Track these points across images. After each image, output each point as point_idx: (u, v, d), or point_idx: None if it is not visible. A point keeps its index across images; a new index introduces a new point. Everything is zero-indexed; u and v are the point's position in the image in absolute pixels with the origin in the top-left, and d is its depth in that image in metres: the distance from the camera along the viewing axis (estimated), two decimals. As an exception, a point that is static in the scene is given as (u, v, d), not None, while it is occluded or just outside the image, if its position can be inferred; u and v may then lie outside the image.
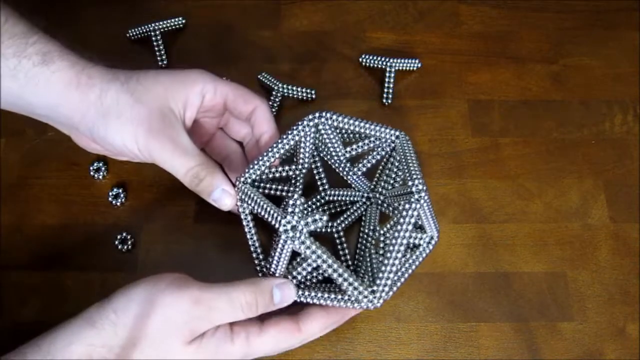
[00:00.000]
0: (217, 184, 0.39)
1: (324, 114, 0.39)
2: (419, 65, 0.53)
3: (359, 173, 0.44)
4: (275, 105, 0.51)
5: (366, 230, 0.46)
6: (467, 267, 0.46)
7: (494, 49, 0.54)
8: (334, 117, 0.40)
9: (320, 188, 0.46)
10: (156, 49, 0.53)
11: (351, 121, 0.40)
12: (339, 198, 0.46)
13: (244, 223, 0.40)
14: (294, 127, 0.40)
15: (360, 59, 0.53)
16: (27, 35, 0.38)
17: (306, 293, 0.38)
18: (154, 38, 0.53)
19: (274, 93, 0.51)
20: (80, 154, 0.49)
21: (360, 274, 0.44)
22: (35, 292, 0.45)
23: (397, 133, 0.41)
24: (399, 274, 0.39)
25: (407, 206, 0.36)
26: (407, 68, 0.52)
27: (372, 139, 0.42)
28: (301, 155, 0.42)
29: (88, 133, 0.39)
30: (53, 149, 0.49)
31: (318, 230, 0.35)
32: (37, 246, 0.46)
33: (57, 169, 0.49)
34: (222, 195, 0.39)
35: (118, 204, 0.47)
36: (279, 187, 0.43)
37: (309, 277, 0.40)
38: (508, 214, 0.48)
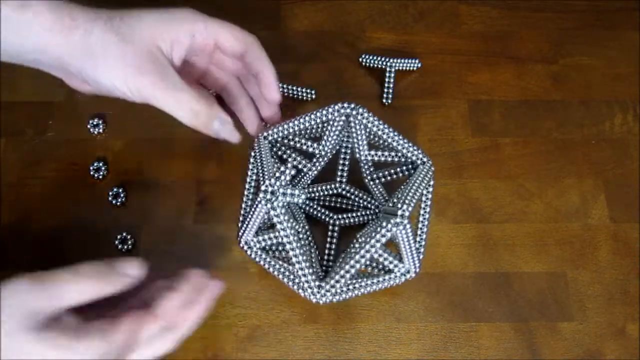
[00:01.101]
0: (215, 114, 0.38)
1: (358, 108, 0.39)
2: (419, 65, 0.53)
3: (377, 181, 0.44)
4: (275, 105, 0.51)
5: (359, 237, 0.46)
6: (467, 267, 0.46)
7: (494, 49, 0.54)
8: (366, 114, 0.39)
9: (338, 179, 0.46)
10: (156, 49, 0.53)
11: (382, 127, 0.40)
12: (351, 196, 0.46)
13: (248, 173, 0.42)
14: (324, 108, 0.40)
15: (360, 59, 0.53)
16: None
17: (264, 257, 0.38)
18: (154, 38, 0.53)
19: (274, 93, 0.51)
20: (80, 154, 0.49)
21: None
22: (35, 292, 0.45)
23: (425, 159, 0.41)
24: (357, 285, 0.39)
25: (384, 224, 0.35)
26: (407, 68, 0.52)
27: (399, 153, 0.42)
28: (325, 137, 0.42)
29: (78, 74, 0.38)
30: (53, 149, 0.49)
31: (292, 203, 0.35)
32: (37, 246, 0.46)
33: (57, 169, 0.49)
34: (222, 126, 0.39)
35: (118, 204, 0.47)
36: (298, 158, 0.44)
37: (280, 249, 0.40)
38: (508, 214, 0.48)
